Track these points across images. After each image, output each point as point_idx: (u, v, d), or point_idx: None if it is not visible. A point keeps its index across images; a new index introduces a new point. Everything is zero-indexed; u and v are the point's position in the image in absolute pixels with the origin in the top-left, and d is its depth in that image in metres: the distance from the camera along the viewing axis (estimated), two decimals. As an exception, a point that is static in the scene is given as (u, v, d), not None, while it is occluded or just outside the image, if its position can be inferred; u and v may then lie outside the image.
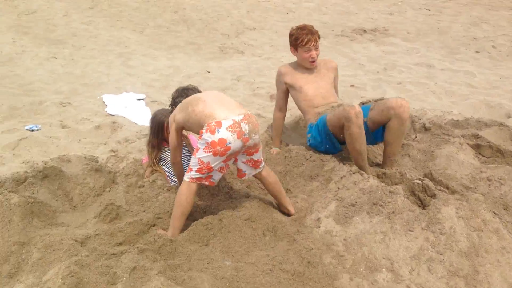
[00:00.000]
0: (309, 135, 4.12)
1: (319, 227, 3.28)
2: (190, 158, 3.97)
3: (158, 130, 3.94)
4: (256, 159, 3.28)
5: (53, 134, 4.88)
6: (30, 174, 3.84)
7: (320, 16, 10.53)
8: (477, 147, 4.15)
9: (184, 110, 3.27)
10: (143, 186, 3.80)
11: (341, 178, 3.59)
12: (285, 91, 4.35)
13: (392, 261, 2.92)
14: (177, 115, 3.35)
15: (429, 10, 10.92)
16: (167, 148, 4.06)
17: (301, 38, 4.05)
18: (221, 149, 2.99)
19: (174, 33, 9.45)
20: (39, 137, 4.73)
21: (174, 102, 3.74)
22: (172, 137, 3.45)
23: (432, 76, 6.72)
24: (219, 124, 3.00)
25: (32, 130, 4.96)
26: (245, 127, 3.05)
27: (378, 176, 3.68)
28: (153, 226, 3.39)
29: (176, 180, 3.92)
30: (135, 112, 5.45)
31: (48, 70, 7.08)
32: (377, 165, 4.12)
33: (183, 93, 3.72)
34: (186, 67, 7.28)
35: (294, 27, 4.21)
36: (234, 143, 3.01)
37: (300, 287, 2.83)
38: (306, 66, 4.21)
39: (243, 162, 3.28)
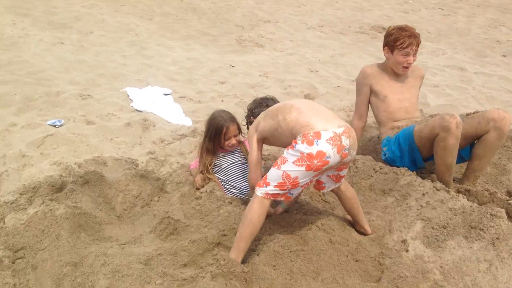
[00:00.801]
0: (385, 149, 3.76)
1: (407, 251, 2.93)
2: (246, 167, 3.63)
3: (216, 134, 3.53)
4: (342, 175, 2.91)
5: (79, 131, 4.42)
6: (70, 179, 3.42)
7: (334, 11, 10.18)
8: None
9: (273, 117, 2.87)
10: (201, 197, 3.39)
11: (423, 195, 3.26)
12: (368, 95, 3.92)
13: (502, 295, 2.60)
14: (262, 123, 2.95)
15: (442, 9, 10.68)
16: (222, 154, 3.67)
17: (402, 40, 3.64)
18: (318, 163, 2.60)
19: (184, 21, 8.98)
20: (65, 134, 4.27)
21: (252, 113, 3.36)
22: (252, 151, 3.03)
23: (467, 80, 6.45)
24: (318, 135, 2.60)
25: (56, 126, 4.49)
26: (345, 142, 2.66)
27: (459, 192, 3.37)
28: (218, 244, 3.00)
29: (233, 190, 3.54)
30: (165, 108, 5.01)
31: (57, 57, 6.56)
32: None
33: (262, 103, 3.35)
34: (207, 60, 6.85)
35: (393, 26, 3.80)
36: (333, 157, 2.63)
37: None
38: (397, 71, 3.82)
39: (328, 176, 2.90)
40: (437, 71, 6.69)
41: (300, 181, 2.68)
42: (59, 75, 5.87)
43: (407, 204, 3.29)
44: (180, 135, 4.48)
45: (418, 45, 3.69)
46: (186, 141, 4.27)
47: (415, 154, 3.54)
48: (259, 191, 2.73)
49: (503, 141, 3.53)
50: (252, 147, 3.01)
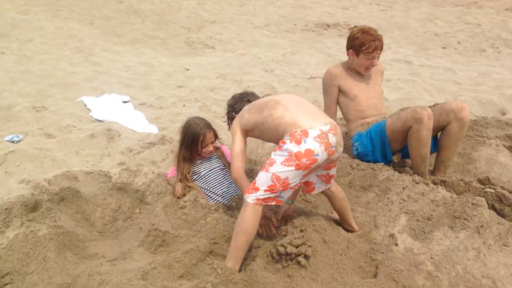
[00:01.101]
0: (356, 144, 3.84)
1: (397, 245, 3.02)
2: (225, 172, 3.61)
3: (192, 142, 3.48)
4: (331, 174, 2.94)
5: (41, 145, 4.20)
6: (44, 197, 3.27)
7: (277, 10, 10.29)
8: (513, 148, 4.12)
9: (259, 112, 2.84)
10: (185, 206, 3.33)
11: (403, 188, 3.37)
12: (337, 95, 3.99)
13: (494, 280, 2.73)
14: (247, 116, 2.92)
15: (379, 5, 11.06)
16: (199, 161, 3.62)
17: (368, 45, 3.71)
18: (307, 162, 2.60)
19: (128, 25, 8.77)
20: (27, 150, 4.04)
21: (233, 109, 3.30)
22: (235, 141, 2.97)
23: (416, 73, 6.73)
24: (305, 133, 2.61)
25: (14, 141, 4.26)
26: (332, 139, 2.69)
27: (434, 184, 3.51)
28: (210, 253, 2.97)
29: (215, 197, 3.51)
30: (127, 117, 4.87)
31: (0, 67, 6.21)
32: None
33: (243, 98, 3.30)
34: (160, 64, 6.72)
35: (357, 29, 3.86)
36: (321, 155, 2.64)
37: None
38: (361, 71, 3.92)
39: (317, 176, 2.92)
40: (387, 66, 6.91)
41: (290, 182, 2.67)
42: (6, 87, 5.57)
43: (388, 198, 3.39)
44: (148, 143, 4.37)
45: (382, 49, 3.79)
46: (156, 149, 4.18)
47: (386, 147, 3.66)
48: (250, 198, 2.68)
49: (466, 130, 3.67)
50: (235, 137, 2.96)
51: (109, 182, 3.59)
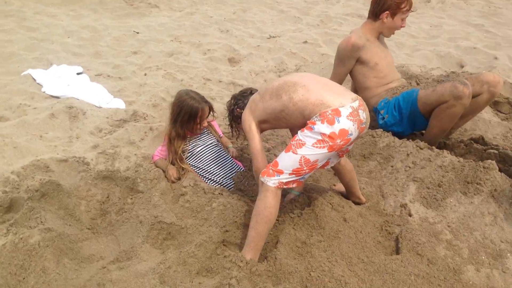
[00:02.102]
0: (382, 112, 3.65)
1: (411, 215, 2.95)
2: (219, 148, 3.35)
3: (189, 118, 3.17)
4: (349, 149, 2.77)
5: (-4, 131, 3.71)
6: (21, 195, 2.87)
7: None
8: (494, 104, 4.14)
9: (275, 98, 2.57)
10: (187, 193, 3.05)
11: (408, 155, 3.28)
12: (353, 66, 3.74)
13: (513, 244, 2.74)
14: (261, 106, 2.64)
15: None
16: (190, 138, 3.34)
17: (406, 2, 3.49)
18: (341, 143, 2.41)
19: (56, -16, 7.94)
20: (-18, 138, 3.56)
21: (237, 106, 3.01)
22: (254, 138, 2.68)
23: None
24: (337, 112, 2.40)
25: (-39, 128, 3.73)
26: (362, 115, 2.50)
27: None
28: (222, 242, 2.75)
29: (211, 177, 3.25)
30: (85, 91, 4.40)
31: None
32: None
33: (245, 93, 3.03)
34: (105, 28, 6.15)
35: None
36: (354, 134, 2.46)
37: None
38: (389, 35, 3.69)
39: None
40: (342, 21, 6.77)
41: (319, 164, 2.50)
42: None
43: (392, 166, 3.30)
44: (118, 120, 3.98)
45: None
46: (130, 127, 3.80)
47: (417, 118, 3.51)
48: (271, 182, 2.46)
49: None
50: (251, 134, 2.68)
51: (91, 170, 3.22)
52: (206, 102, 3.24)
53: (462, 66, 5.67)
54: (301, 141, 2.44)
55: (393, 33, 3.72)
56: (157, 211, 2.90)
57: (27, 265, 2.41)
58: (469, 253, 2.72)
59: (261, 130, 2.75)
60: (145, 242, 2.75)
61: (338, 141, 2.40)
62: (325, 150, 2.41)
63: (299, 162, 2.44)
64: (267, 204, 2.47)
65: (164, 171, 3.27)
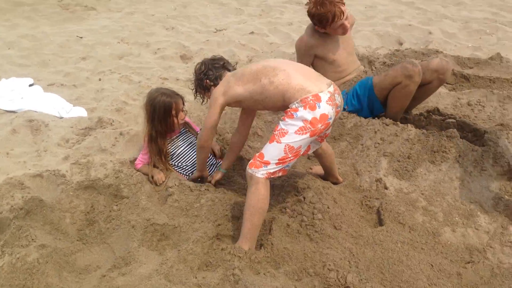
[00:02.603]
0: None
1: (387, 188, 3.16)
2: (194, 147, 3.41)
3: (165, 114, 3.19)
4: (328, 133, 2.92)
5: (-42, 151, 3.57)
6: (4, 214, 2.81)
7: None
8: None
9: (253, 81, 2.67)
10: (173, 193, 3.09)
11: (375, 132, 3.48)
12: (311, 61, 3.83)
13: (480, 203, 2.99)
14: (236, 88, 2.73)
15: None
16: (170, 140, 3.37)
17: (326, 18, 3.49)
18: (322, 127, 2.54)
19: (-19, -7, 7.57)
20: None
21: (207, 77, 3.04)
22: (213, 114, 2.82)
23: (303, 12, 6.80)
24: (318, 98, 2.52)
25: None
26: (338, 99, 2.65)
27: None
28: (216, 237, 2.83)
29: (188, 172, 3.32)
30: (42, 102, 4.29)
31: None
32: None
33: (217, 64, 3.06)
34: (45, 35, 5.96)
35: (310, 4, 3.57)
36: (333, 117, 2.61)
37: (416, 253, 2.72)
38: (339, 35, 3.73)
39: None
40: (282, 9, 6.93)
41: (302, 150, 2.63)
42: None
43: (362, 145, 3.49)
44: (83, 129, 3.92)
45: (342, 10, 3.49)
46: (99, 134, 3.76)
47: (375, 103, 3.68)
48: (260, 173, 2.55)
49: None
50: (215, 110, 2.81)
51: (69, 181, 3.19)
52: (178, 95, 3.28)
53: (401, 44, 5.98)
54: (284, 129, 2.55)
55: (343, 34, 3.67)
56: (148, 213, 2.93)
57: (30, 283, 2.39)
58: (444, 216, 2.96)
59: (230, 106, 2.90)
60: (141, 246, 2.77)
61: (319, 125, 2.53)
62: (307, 136, 2.53)
63: (284, 151, 2.54)
64: (260, 197, 2.56)
65: (149, 177, 3.28)
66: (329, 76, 3.72)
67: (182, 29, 6.16)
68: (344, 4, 3.52)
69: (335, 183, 3.26)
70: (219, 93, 2.81)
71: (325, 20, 3.52)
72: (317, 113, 2.51)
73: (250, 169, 2.58)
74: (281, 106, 2.63)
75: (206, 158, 3.16)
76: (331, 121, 2.60)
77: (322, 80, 2.68)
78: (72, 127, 3.95)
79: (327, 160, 3.13)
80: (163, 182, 3.21)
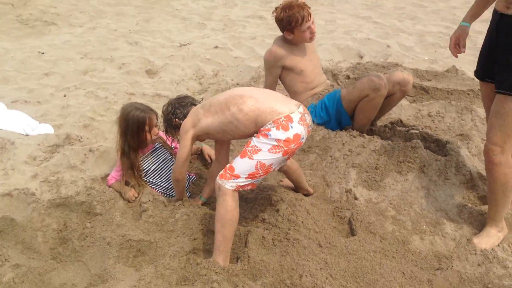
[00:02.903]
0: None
1: (357, 199, 3.26)
2: (171, 162, 3.42)
3: (138, 129, 3.20)
4: (295, 151, 3.00)
5: None
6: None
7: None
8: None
9: (220, 112, 2.74)
10: (148, 209, 3.09)
11: (343, 144, 3.59)
12: (279, 73, 3.90)
13: (446, 211, 3.14)
14: (205, 120, 2.81)
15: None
16: (144, 156, 3.38)
17: (295, 19, 3.59)
18: (294, 147, 2.63)
19: None
20: None
21: (175, 115, 3.11)
22: (185, 146, 2.88)
23: (274, 28, 6.92)
24: (289, 119, 2.62)
25: None
26: (308, 119, 2.75)
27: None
28: (192, 251, 2.86)
29: (170, 193, 3.33)
30: (6, 120, 4.19)
31: None
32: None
33: (183, 103, 3.14)
34: (6, 51, 5.83)
35: (278, 9, 3.68)
36: (305, 137, 2.72)
37: (388, 262, 2.82)
38: (306, 42, 3.82)
39: None
40: (245, 23, 7.03)
41: (273, 167, 2.71)
42: None
43: (331, 156, 3.59)
44: (51, 146, 3.86)
45: (310, 13, 3.67)
46: (68, 151, 3.71)
47: (342, 116, 3.78)
48: (229, 185, 2.60)
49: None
50: (185, 142, 2.88)
51: (40, 200, 3.15)
52: (152, 110, 3.30)
53: (361, 57, 6.17)
54: (257, 147, 2.61)
55: (311, 39, 3.81)
56: (123, 230, 2.93)
57: (8, 308, 2.36)
58: (412, 225, 3.08)
59: (199, 140, 2.97)
60: (117, 262, 2.77)
61: (292, 145, 2.62)
62: (280, 155, 2.62)
63: (255, 167, 2.61)
64: (228, 208, 2.60)
65: (122, 193, 3.27)
66: (298, 87, 3.86)
67: (146, 44, 6.16)
68: (310, 11, 3.68)
69: (306, 195, 3.34)
70: (188, 125, 2.88)
71: (294, 21, 3.62)
72: (291, 133, 2.60)
73: (219, 180, 2.63)
74: (253, 132, 2.69)
75: (184, 188, 3.17)
76: (303, 140, 2.70)
77: (291, 101, 2.79)
78: (39, 145, 3.88)
79: (293, 175, 3.21)
80: (136, 198, 3.21)
